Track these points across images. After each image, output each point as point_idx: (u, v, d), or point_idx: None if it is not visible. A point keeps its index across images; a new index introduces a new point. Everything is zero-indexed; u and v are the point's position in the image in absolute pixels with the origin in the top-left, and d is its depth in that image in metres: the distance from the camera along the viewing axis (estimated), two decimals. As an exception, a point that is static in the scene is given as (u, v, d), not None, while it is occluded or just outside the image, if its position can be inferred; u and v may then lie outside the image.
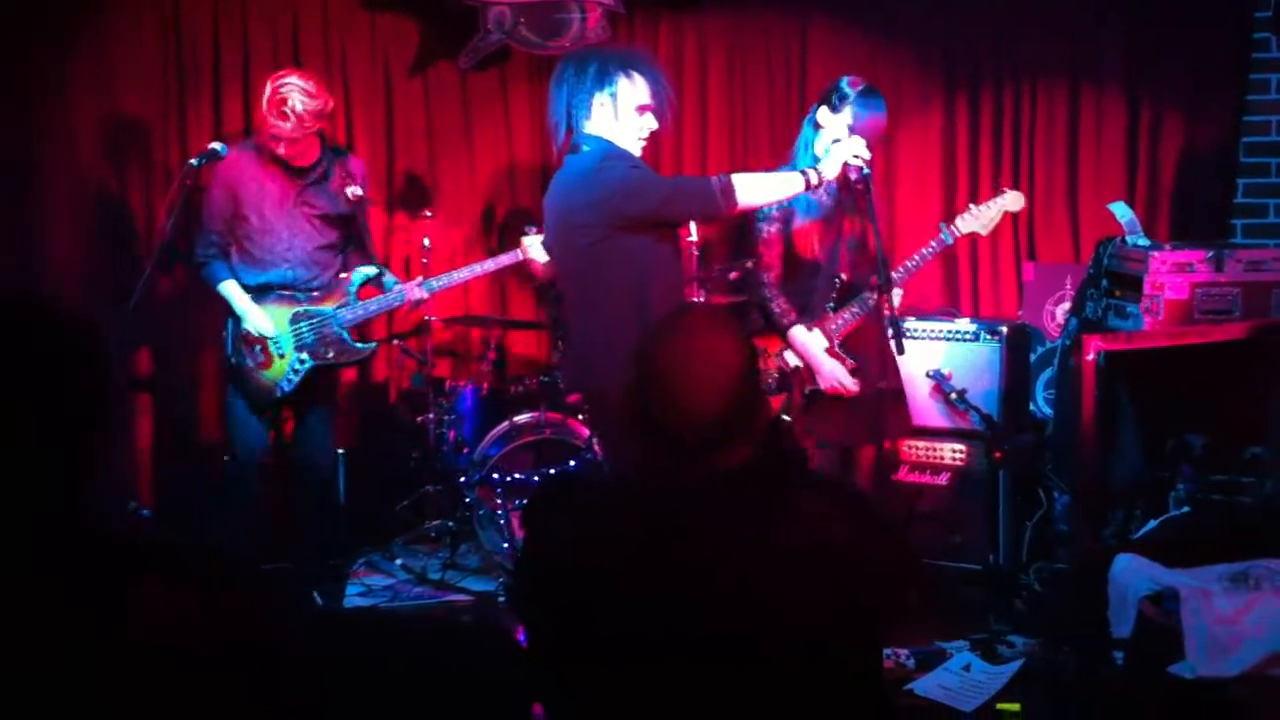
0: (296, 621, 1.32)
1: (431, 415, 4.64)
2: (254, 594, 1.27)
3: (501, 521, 4.29)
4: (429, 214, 4.81)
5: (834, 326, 3.71)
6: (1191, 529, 3.59)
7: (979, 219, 3.73)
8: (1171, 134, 4.83)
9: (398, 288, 4.06)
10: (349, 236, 4.08)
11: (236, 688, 1.19)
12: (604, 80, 3.24)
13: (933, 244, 3.76)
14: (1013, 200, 3.77)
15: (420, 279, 4.14)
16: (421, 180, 5.17)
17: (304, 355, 3.96)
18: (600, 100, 3.24)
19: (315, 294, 4.00)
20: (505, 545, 4.26)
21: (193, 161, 3.83)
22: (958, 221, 3.75)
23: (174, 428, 4.68)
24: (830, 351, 3.70)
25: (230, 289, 3.96)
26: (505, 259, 4.15)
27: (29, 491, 1.20)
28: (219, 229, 3.96)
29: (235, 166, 3.93)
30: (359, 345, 4.06)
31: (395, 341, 4.84)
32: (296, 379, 3.97)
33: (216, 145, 3.91)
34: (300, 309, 3.98)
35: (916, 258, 3.75)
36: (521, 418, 4.38)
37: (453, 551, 4.51)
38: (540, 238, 3.72)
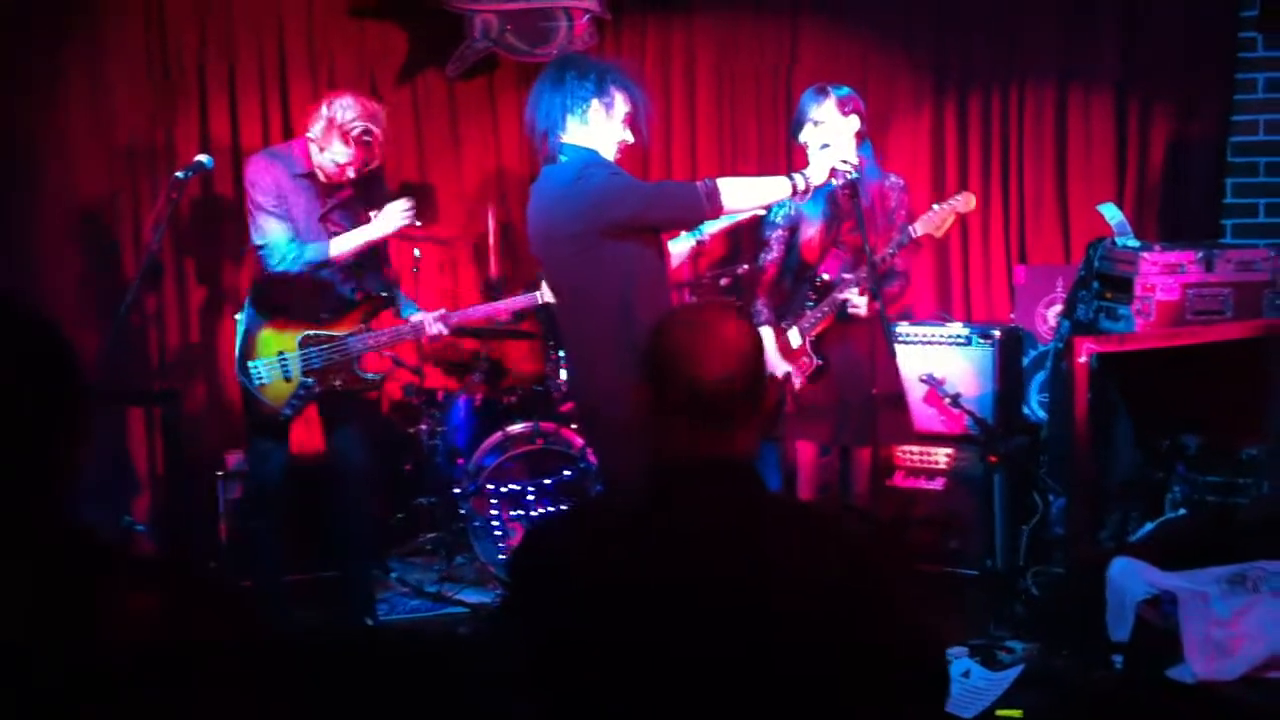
0: (266, 636, 1.28)
1: (424, 426, 4.62)
2: (220, 605, 1.23)
3: (497, 532, 4.27)
4: (418, 223, 4.78)
5: (806, 325, 3.77)
6: (1188, 531, 3.60)
7: (930, 221, 3.74)
8: (1160, 134, 4.83)
9: (414, 319, 3.88)
10: (366, 257, 3.86)
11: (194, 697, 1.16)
12: (603, 88, 3.26)
13: (892, 245, 3.72)
14: (963, 202, 3.78)
15: (441, 312, 3.94)
16: (410, 190, 5.14)
17: (309, 380, 3.76)
18: (596, 106, 3.25)
19: (326, 316, 3.80)
20: (501, 556, 4.24)
21: (179, 174, 3.78)
22: (916, 223, 3.75)
23: (167, 441, 4.65)
24: (801, 349, 3.75)
25: (348, 238, 3.73)
26: (522, 301, 4.01)
27: None
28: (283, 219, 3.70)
29: (271, 176, 3.70)
30: (368, 376, 3.87)
31: (386, 353, 4.81)
32: (300, 404, 3.76)
33: (203, 158, 3.87)
34: (310, 332, 3.77)
35: (878, 258, 3.71)
36: (515, 428, 4.36)
37: (448, 563, 4.49)
38: None
